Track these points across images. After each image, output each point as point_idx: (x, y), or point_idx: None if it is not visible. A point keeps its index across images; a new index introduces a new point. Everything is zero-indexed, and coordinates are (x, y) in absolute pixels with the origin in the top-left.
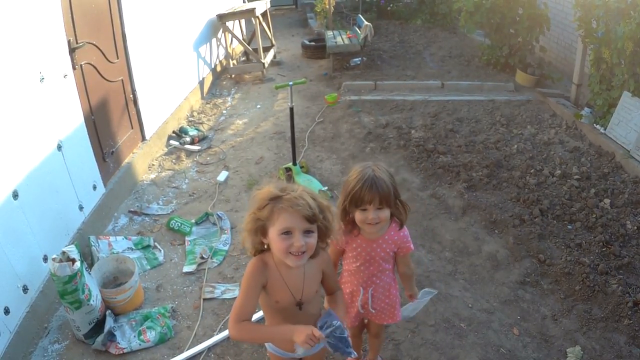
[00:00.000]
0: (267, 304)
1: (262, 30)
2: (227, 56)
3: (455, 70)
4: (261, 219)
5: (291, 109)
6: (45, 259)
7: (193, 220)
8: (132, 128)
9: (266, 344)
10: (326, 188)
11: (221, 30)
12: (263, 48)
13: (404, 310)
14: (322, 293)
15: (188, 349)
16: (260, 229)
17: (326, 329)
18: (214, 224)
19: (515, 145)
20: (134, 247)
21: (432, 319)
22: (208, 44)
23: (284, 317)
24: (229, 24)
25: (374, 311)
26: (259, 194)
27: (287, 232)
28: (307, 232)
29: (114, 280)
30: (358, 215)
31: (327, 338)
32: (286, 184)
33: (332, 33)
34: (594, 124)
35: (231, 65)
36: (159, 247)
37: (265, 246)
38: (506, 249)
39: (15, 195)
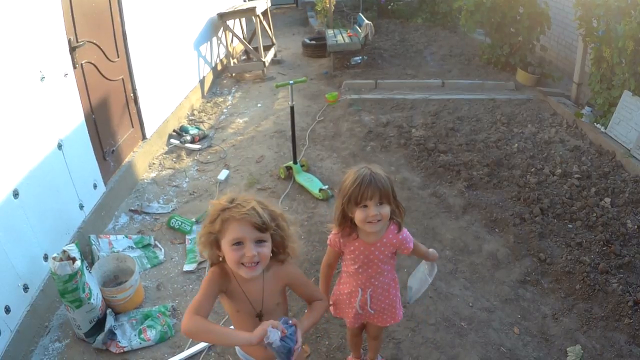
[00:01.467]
0: (230, 311)
1: (263, 29)
2: (228, 55)
3: (456, 69)
4: (213, 232)
5: (292, 108)
6: (45, 257)
7: (193, 219)
8: (133, 127)
9: (237, 351)
10: (327, 186)
11: (222, 29)
12: (264, 47)
13: (410, 292)
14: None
15: (188, 347)
16: (214, 242)
17: (277, 333)
18: None
19: (516, 144)
20: (134, 246)
21: (432, 318)
22: (208, 42)
23: (246, 326)
24: (230, 22)
25: (372, 312)
26: (211, 206)
27: (238, 243)
28: (259, 241)
29: (115, 279)
30: (359, 214)
31: (274, 341)
32: (237, 195)
33: (332, 32)
34: (595, 123)
35: (232, 64)
36: (159, 245)
37: (221, 259)
38: (507, 247)
39: (15, 194)
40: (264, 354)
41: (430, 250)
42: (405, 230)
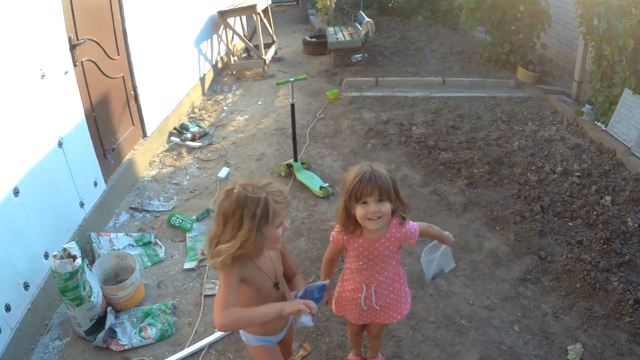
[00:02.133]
0: (248, 299)
1: (263, 26)
2: (228, 52)
3: (457, 67)
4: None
5: (292, 105)
6: (46, 255)
7: (194, 217)
8: (133, 124)
9: (250, 339)
10: (327, 184)
11: (222, 26)
12: (264, 44)
13: (424, 258)
14: None
15: (189, 345)
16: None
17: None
18: None
19: (517, 142)
20: (134, 244)
21: (433, 316)
22: (209, 40)
23: (269, 301)
24: (230, 20)
25: (378, 307)
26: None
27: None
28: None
29: (115, 277)
30: (359, 211)
31: (307, 322)
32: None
33: (333, 29)
34: (595, 121)
35: (232, 62)
36: (159, 243)
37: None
38: (507, 245)
39: (16, 192)
40: (282, 324)
41: (445, 233)
42: (409, 223)
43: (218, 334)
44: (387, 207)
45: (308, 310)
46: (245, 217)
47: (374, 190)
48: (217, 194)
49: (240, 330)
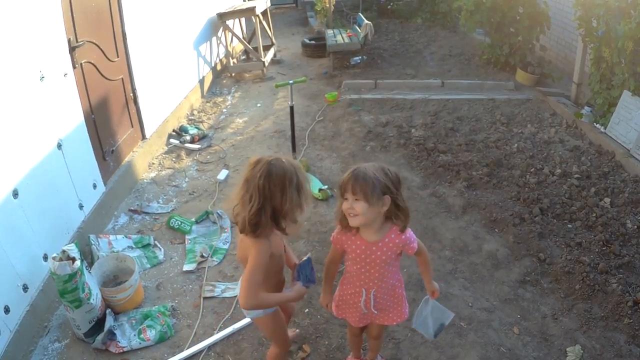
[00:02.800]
0: (269, 268)
1: (262, 28)
2: (227, 55)
3: (456, 69)
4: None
5: (291, 108)
6: (45, 257)
7: (193, 219)
8: (132, 127)
9: (253, 313)
10: (326, 187)
11: (221, 28)
12: (263, 47)
13: (416, 322)
14: None
15: (188, 347)
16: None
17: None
18: (214, 222)
19: (516, 144)
20: (134, 246)
21: None
22: (208, 42)
23: (279, 277)
24: (229, 22)
25: (376, 312)
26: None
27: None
28: None
29: (114, 279)
30: (343, 205)
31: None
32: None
33: (332, 32)
34: (594, 123)
35: (231, 64)
36: (159, 245)
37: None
38: (506, 247)
39: (15, 194)
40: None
41: (435, 284)
42: (409, 231)
43: (217, 336)
44: (360, 205)
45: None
46: (290, 188)
47: (352, 188)
48: (217, 196)
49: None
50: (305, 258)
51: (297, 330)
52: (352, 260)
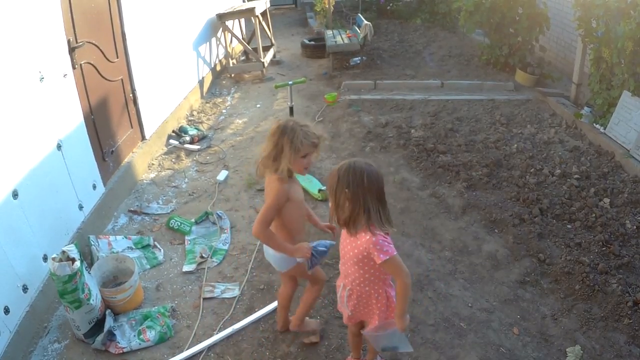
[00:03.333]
0: (289, 213)
1: (262, 29)
2: (227, 55)
3: (455, 70)
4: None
5: (291, 108)
6: (45, 258)
7: (193, 220)
8: (132, 127)
9: (278, 266)
10: (326, 187)
11: (221, 29)
12: (263, 47)
13: (374, 341)
14: None
15: (188, 348)
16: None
17: (315, 247)
18: (214, 223)
19: (515, 145)
20: (133, 247)
21: (431, 319)
22: (208, 43)
23: (302, 219)
24: (229, 23)
25: (350, 312)
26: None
27: (304, 156)
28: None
29: (114, 280)
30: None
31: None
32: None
33: (331, 32)
34: (594, 124)
35: (231, 65)
36: (158, 246)
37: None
38: (506, 248)
39: (15, 194)
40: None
41: (407, 317)
42: (379, 238)
43: (217, 337)
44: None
45: (307, 258)
46: (285, 143)
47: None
48: (216, 197)
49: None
50: (328, 242)
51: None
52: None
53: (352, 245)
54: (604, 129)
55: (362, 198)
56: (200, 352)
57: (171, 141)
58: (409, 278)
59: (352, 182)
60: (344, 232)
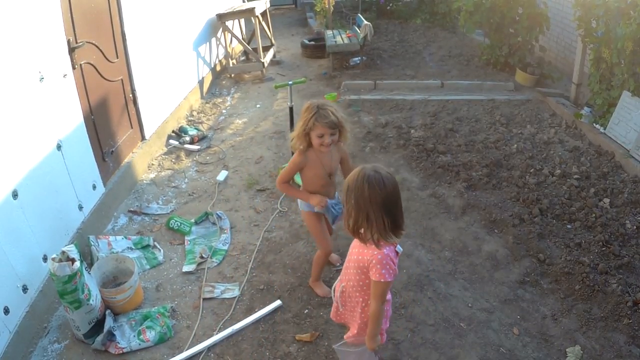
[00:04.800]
0: (308, 175)
1: (262, 29)
2: (227, 56)
3: (455, 70)
4: (306, 129)
5: (291, 109)
6: (44, 258)
7: (193, 220)
8: (132, 127)
9: (300, 206)
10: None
11: (221, 29)
12: (263, 47)
13: (342, 356)
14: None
15: (188, 348)
16: (306, 135)
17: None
18: (214, 223)
19: (515, 145)
20: (133, 247)
21: (431, 319)
22: (207, 43)
23: (320, 183)
24: (229, 23)
25: (342, 309)
26: (305, 110)
27: (321, 135)
28: (332, 134)
29: (114, 280)
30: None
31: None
32: (319, 102)
33: (331, 32)
34: (594, 124)
35: (231, 65)
36: (158, 246)
37: (302, 147)
38: (506, 248)
39: (15, 194)
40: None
41: (376, 338)
42: (384, 258)
43: (217, 337)
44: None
45: (321, 207)
46: (302, 120)
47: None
48: (216, 197)
49: (298, 201)
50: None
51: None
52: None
53: (359, 251)
54: (604, 129)
55: (363, 208)
56: (200, 353)
57: (171, 141)
58: (386, 305)
59: (354, 191)
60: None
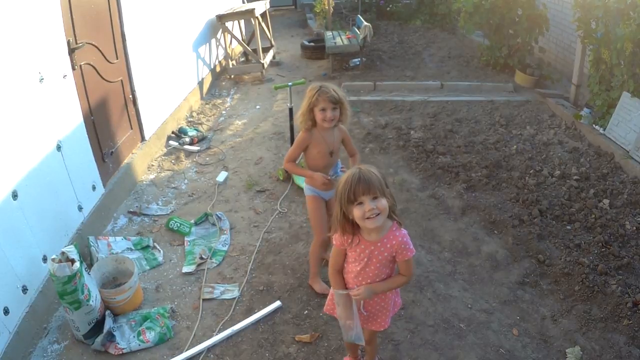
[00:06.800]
0: (312, 153)
1: (262, 30)
2: (227, 57)
3: (455, 71)
4: (310, 105)
5: (290, 110)
6: (44, 259)
7: (192, 221)
8: (132, 128)
9: (305, 191)
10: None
11: (220, 30)
12: (262, 48)
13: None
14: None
15: (187, 349)
16: (310, 111)
17: (332, 175)
18: (213, 224)
19: (515, 146)
20: (133, 248)
21: (431, 319)
22: (207, 44)
23: (323, 161)
24: (229, 24)
25: (365, 313)
26: (308, 89)
27: (323, 109)
28: (334, 108)
29: (114, 281)
30: (357, 212)
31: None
32: (322, 83)
33: (331, 33)
34: (593, 125)
35: (230, 66)
36: (158, 247)
37: (306, 126)
38: (505, 249)
39: (14, 195)
40: (324, 189)
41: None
42: (404, 232)
43: (216, 338)
44: (383, 202)
45: (325, 186)
46: (306, 97)
47: (366, 189)
48: (216, 198)
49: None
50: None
51: None
52: (354, 261)
53: (379, 251)
54: (604, 130)
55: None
56: (199, 353)
57: (171, 142)
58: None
59: (383, 179)
60: (361, 242)
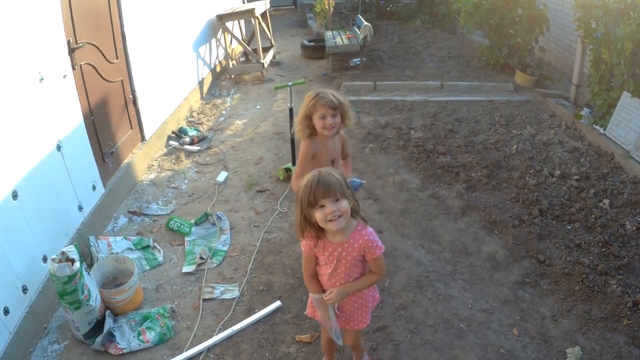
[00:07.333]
0: (315, 164)
1: (262, 30)
2: (227, 56)
3: (455, 71)
4: (308, 113)
5: (290, 110)
6: (44, 259)
7: (192, 221)
8: (132, 128)
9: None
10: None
11: (221, 30)
12: (262, 48)
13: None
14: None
15: (187, 349)
16: (308, 118)
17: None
18: (214, 224)
19: (515, 146)
20: (133, 248)
21: (431, 319)
22: (207, 44)
23: (322, 162)
24: (229, 24)
25: (338, 312)
26: (306, 97)
27: (323, 117)
28: (334, 115)
29: (114, 281)
30: (318, 215)
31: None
32: (321, 90)
33: (331, 33)
34: (594, 125)
35: (230, 66)
36: (158, 247)
37: (307, 134)
38: (505, 249)
39: (14, 195)
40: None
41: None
42: (370, 231)
43: (216, 338)
44: (344, 204)
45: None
46: (303, 105)
47: (326, 191)
48: (216, 198)
49: None
50: (358, 181)
51: None
52: (324, 264)
53: (347, 251)
54: (604, 130)
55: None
56: (199, 353)
57: (171, 142)
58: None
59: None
60: (328, 245)
